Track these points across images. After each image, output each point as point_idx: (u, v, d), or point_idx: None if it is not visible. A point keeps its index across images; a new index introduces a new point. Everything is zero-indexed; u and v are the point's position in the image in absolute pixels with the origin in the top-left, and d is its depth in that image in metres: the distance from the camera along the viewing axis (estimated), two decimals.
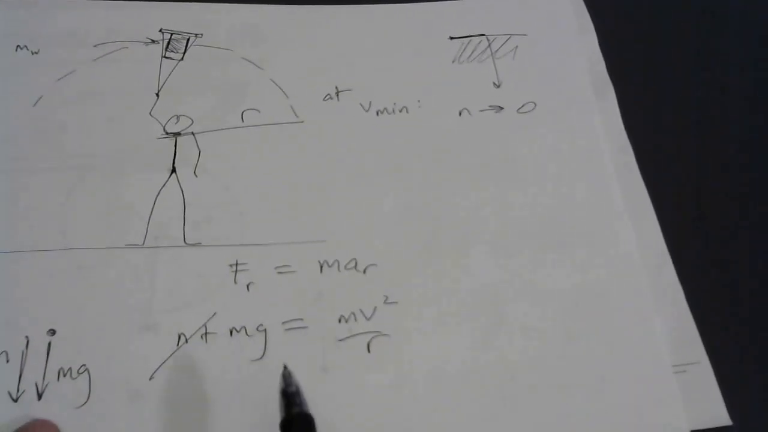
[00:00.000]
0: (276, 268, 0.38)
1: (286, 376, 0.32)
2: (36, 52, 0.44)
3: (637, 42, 0.50)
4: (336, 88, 0.45)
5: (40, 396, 0.34)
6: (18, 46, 0.45)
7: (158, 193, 0.40)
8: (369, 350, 0.36)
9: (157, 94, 0.43)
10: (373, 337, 0.37)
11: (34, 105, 0.43)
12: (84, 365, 0.35)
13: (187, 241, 0.39)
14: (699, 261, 0.40)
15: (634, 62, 0.48)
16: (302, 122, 0.43)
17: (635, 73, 0.48)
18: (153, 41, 0.46)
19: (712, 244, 0.41)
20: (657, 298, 0.38)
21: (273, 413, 0.31)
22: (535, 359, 0.37)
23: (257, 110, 0.43)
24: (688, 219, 0.42)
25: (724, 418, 0.35)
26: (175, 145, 0.42)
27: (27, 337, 0.36)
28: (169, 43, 0.45)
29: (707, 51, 0.50)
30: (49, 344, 0.35)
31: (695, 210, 0.42)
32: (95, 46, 0.45)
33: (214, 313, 0.37)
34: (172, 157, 0.41)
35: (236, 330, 0.37)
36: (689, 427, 0.35)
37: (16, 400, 0.34)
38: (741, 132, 0.46)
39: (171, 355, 0.36)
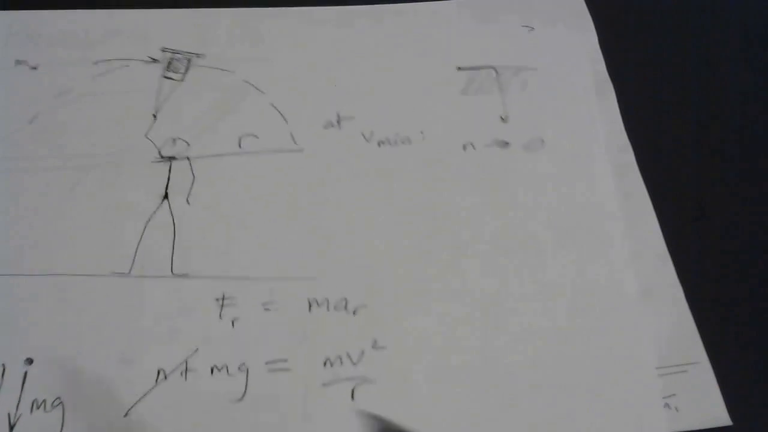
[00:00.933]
0: (263, 304, 0.37)
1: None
2: (35, 68, 0.44)
3: (637, 41, 0.49)
4: (338, 114, 0.44)
5: (11, 428, 0.33)
6: (17, 60, 0.44)
7: (149, 220, 0.39)
8: (353, 398, 0.35)
9: (155, 116, 0.43)
10: (357, 384, 0.35)
11: (30, 122, 0.42)
12: (59, 398, 0.34)
13: (174, 272, 0.38)
14: (699, 261, 0.40)
15: (634, 62, 0.48)
16: (301, 151, 0.42)
17: (635, 72, 0.47)
18: (154, 60, 0.45)
19: (712, 244, 0.41)
20: (657, 298, 0.38)
21: None
22: (530, 365, 0.36)
23: (255, 136, 0.42)
24: (688, 219, 0.42)
25: (723, 419, 0.35)
26: (170, 170, 0.41)
27: (3, 364, 0.35)
28: (170, 63, 0.45)
29: (707, 50, 0.49)
30: (25, 374, 0.35)
31: (695, 210, 0.42)
32: (95, 63, 0.44)
33: (196, 349, 0.36)
34: (166, 183, 0.40)
35: (218, 368, 0.35)
36: (676, 428, 0.35)
37: None
38: (741, 131, 0.45)
39: (148, 391, 0.35)
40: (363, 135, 0.43)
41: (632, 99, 0.45)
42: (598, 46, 0.47)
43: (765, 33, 0.51)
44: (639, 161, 0.43)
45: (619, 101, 0.45)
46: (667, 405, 0.35)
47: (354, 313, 0.37)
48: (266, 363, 0.36)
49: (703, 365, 0.36)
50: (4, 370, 0.35)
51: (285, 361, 0.36)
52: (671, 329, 0.37)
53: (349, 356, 0.36)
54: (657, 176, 0.42)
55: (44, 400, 0.34)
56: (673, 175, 0.43)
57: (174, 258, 0.38)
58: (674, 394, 0.35)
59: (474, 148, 0.43)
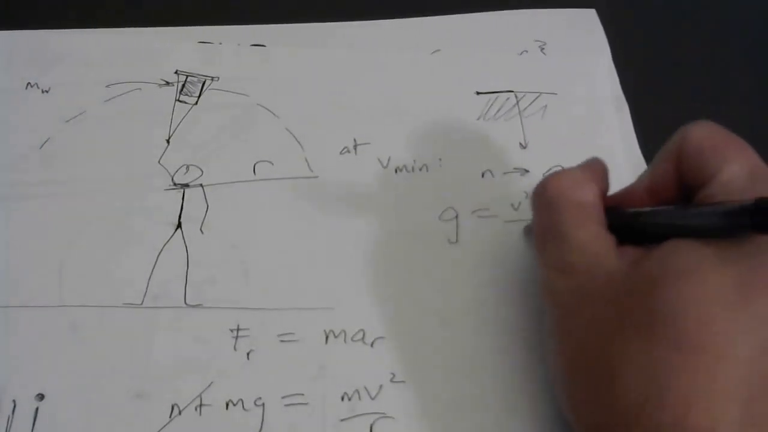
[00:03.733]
0: (279, 335, 0.36)
1: None
2: (46, 91, 0.43)
3: (649, 54, 0.49)
4: (354, 140, 0.43)
5: None
6: (29, 83, 0.43)
7: (161, 250, 0.38)
8: None
9: (168, 141, 0.42)
10: (376, 420, 0.35)
11: (41, 147, 0.41)
12: None
13: (187, 302, 0.37)
14: None
15: (648, 77, 0.47)
16: (316, 177, 0.41)
17: (649, 87, 0.47)
18: (167, 83, 0.44)
19: None
20: None
21: None
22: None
23: (270, 162, 0.42)
24: None
25: None
26: (183, 198, 0.40)
27: (14, 400, 0.34)
28: (183, 85, 0.44)
29: (721, 60, 0.49)
30: (37, 410, 0.34)
31: None
32: (107, 86, 0.43)
33: (211, 383, 0.35)
34: (179, 211, 0.40)
35: (233, 403, 0.35)
36: None
37: None
38: (753, 144, 0.44)
39: (162, 427, 0.34)
40: (380, 161, 0.42)
41: (645, 113, 0.45)
42: (612, 64, 0.47)
43: None
44: None
45: (632, 114, 0.45)
46: None
47: (372, 345, 0.36)
48: (282, 397, 0.35)
49: None
50: (15, 406, 0.34)
51: (302, 395, 0.35)
52: None
53: (367, 390, 0.35)
54: None
55: None
56: None
57: (187, 288, 0.37)
58: None
59: (493, 175, 0.42)
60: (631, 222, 0.31)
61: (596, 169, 0.32)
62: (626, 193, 0.32)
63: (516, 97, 0.45)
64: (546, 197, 0.31)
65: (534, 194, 0.32)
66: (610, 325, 0.27)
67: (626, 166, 0.42)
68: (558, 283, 0.30)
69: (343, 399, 0.35)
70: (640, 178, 0.32)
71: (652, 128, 0.44)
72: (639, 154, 0.43)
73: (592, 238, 0.29)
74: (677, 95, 0.47)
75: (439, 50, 0.47)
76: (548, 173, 0.31)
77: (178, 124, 0.43)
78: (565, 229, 0.29)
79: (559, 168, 0.42)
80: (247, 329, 0.36)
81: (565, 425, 0.34)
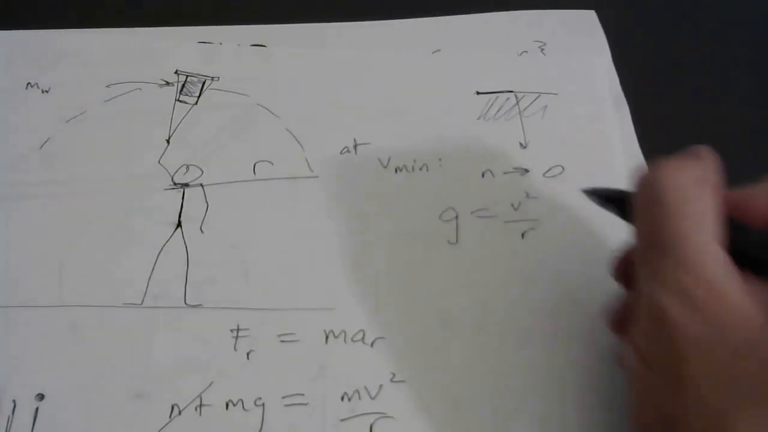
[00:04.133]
0: (279, 335, 0.36)
1: None
2: (47, 91, 0.43)
3: (649, 52, 0.49)
4: (354, 140, 0.43)
5: None
6: (29, 83, 0.43)
7: (161, 249, 0.38)
8: None
9: (168, 141, 0.42)
10: (376, 419, 0.34)
11: (41, 147, 0.41)
12: None
13: (187, 302, 0.37)
14: None
15: (648, 77, 0.47)
16: (316, 177, 0.41)
17: (649, 87, 0.47)
18: (167, 83, 0.44)
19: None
20: None
21: None
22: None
23: (270, 162, 0.42)
24: None
25: None
26: (183, 198, 0.40)
27: (14, 400, 0.34)
28: (183, 85, 0.44)
29: (720, 59, 0.49)
30: (36, 410, 0.34)
31: None
32: (108, 86, 0.43)
33: (211, 383, 0.35)
34: (179, 211, 0.40)
35: (233, 403, 0.35)
36: None
37: None
38: (753, 145, 0.45)
39: (162, 427, 0.34)
40: (380, 161, 0.42)
41: (645, 111, 0.45)
42: (612, 63, 0.47)
43: None
44: None
45: (632, 113, 0.45)
46: None
47: (372, 345, 0.36)
48: (282, 397, 0.35)
49: None
50: (15, 406, 0.34)
51: (302, 395, 0.35)
52: None
53: (367, 390, 0.35)
54: None
55: None
56: None
57: (187, 288, 0.37)
58: None
59: (493, 175, 0.42)
60: (759, 244, 0.25)
61: (709, 164, 0.26)
62: (742, 200, 0.26)
63: (516, 97, 0.45)
64: (654, 193, 0.25)
65: (639, 186, 0.26)
66: (740, 390, 0.22)
67: (627, 167, 0.42)
68: (675, 312, 0.23)
69: (343, 399, 0.35)
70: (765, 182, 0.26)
71: (652, 128, 0.44)
72: (639, 154, 0.43)
73: (713, 260, 0.23)
74: (677, 95, 0.47)
75: (439, 50, 0.47)
76: (657, 162, 0.26)
77: (178, 124, 0.43)
78: (680, 242, 0.24)
79: (560, 168, 0.42)
80: (247, 329, 0.36)
81: (566, 426, 0.34)
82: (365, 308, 0.37)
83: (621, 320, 0.30)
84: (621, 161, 0.43)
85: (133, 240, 0.39)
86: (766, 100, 0.47)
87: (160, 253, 0.38)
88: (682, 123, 0.45)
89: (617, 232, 0.34)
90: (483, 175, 0.42)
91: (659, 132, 0.44)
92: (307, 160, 0.42)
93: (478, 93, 0.45)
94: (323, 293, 0.38)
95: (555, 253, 0.39)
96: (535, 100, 0.45)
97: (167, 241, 0.39)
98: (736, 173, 0.28)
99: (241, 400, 0.35)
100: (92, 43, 0.45)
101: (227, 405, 0.34)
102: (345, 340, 0.36)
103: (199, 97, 0.44)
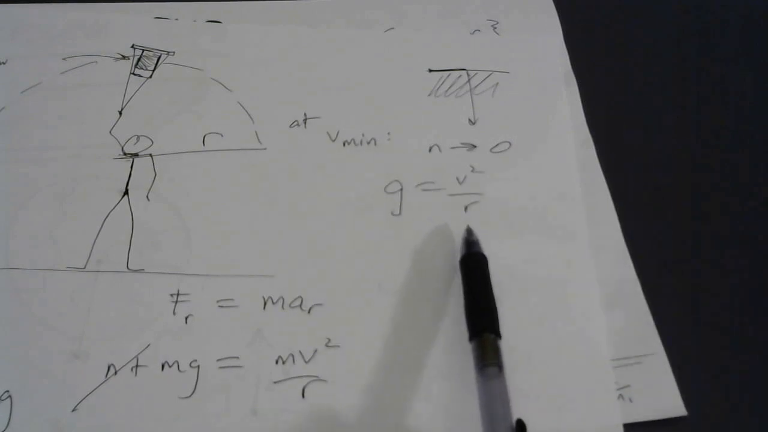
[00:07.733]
0: (218, 301, 0.37)
1: (470, 231, 0.37)
2: (3, 63, 0.44)
3: (599, 32, 0.50)
4: (304, 114, 0.43)
5: None
6: None
7: (107, 216, 0.39)
8: (303, 395, 0.35)
9: (120, 112, 0.43)
10: (309, 382, 0.35)
11: None
12: (7, 391, 0.34)
13: (129, 267, 0.38)
14: (657, 255, 0.40)
15: (598, 55, 0.48)
16: (265, 149, 0.42)
17: (598, 65, 0.47)
18: (123, 57, 0.45)
19: (671, 238, 0.41)
20: (615, 292, 0.38)
21: None
22: None
23: (220, 134, 0.42)
24: (648, 213, 0.42)
25: (679, 409, 0.35)
26: (131, 167, 0.41)
27: None
28: (139, 59, 0.45)
29: (672, 41, 0.50)
30: None
31: (655, 204, 0.42)
32: (64, 59, 0.44)
33: (148, 345, 0.36)
34: (127, 179, 0.40)
35: (168, 364, 0.35)
36: (630, 419, 0.34)
37: None
38: (702, 127, 0.46)
39: (98, 386, 0.34)
40: (329, 134, 0.43)
41: (594, 91, 0.45)
42: (563, 43, 0.47)
43: (731, 26, 0.51)
44: (600, 155, 0.43)
45: (581, 94, 0.45)
46: (621, 396, 0.35)
47: (309, 311, 0.37)
48: (218, 360, 0.35)
49: (659, 356, 0.36)
50: None
51: (237, 358, 0.35)
52: (628, 322, 0.37)
53: (301, 354, 0.36)
54: (617, 170, 0.42)
55: None
56: (633, 169, 0.43)
57: (131, 253, 0.38)
58: (628, 385, 0.35)
59: (440, 150, 0.42)
60: None
61: None
62: None
63: (468, 74, 0.45)
64: None
65: None
66: None
67: (574, 142, 0.43)
68: None
69: (277, 362, 0.36)
70: None
71: (599, 105, 0.45)
72: (586, 130, 0.43)
73: None
74: (624, 73, 0.48)
75: (392, 28, 0.47)
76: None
77: (131, 97, 0.43)
78: None
79: (507, 144, 0.43)
80: (187, 294, 0.37)
81: None
82: (305, 276, 0.38)
83: None
84: (569, 137, 0.43)
85: (80, 207, 0.39)
86: (766, 100, 0.47)
87: (105, 219, 0.39)
88: (628, 100, 0.46)
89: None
90: (430, 150, 0.42)
91: (606, 109, 0.45)
92: (256, 133, 0.42)
93: (430, 70, 0.46)
94: (264, 261, 0.38)
95: (498, 225, 0.40)
96: (486, 77, 0.45)
97: (113, 208, 0.39)
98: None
99: (177, 361, 0.35)
100: (50, 16, 0.46)
101: (163, 366, 0.35)
102: (283, 306, 0.37)
103: (153, 70, 0.44)
